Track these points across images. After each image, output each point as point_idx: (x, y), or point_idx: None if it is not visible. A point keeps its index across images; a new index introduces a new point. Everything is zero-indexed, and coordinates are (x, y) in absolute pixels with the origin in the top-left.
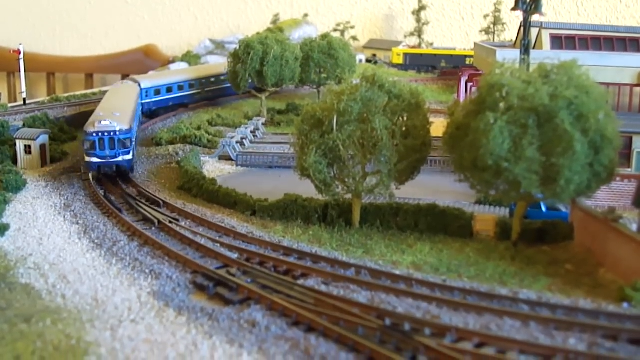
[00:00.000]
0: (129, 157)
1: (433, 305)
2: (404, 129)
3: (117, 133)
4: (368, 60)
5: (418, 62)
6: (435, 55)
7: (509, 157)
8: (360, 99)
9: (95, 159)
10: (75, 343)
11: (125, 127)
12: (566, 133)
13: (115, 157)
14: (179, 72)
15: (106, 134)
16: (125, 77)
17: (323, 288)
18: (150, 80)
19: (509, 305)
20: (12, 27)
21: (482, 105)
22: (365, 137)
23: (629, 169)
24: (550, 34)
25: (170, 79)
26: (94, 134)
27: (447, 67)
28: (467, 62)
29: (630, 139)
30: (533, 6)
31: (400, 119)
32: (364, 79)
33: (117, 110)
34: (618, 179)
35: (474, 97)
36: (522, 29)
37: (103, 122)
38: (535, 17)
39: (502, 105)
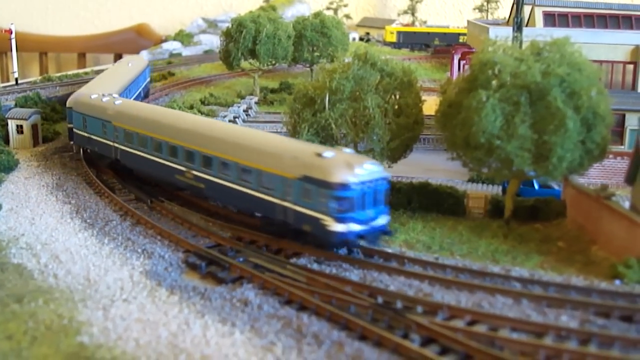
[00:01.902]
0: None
1: (425, 283)
2: (396, 107)
3: (382, 181)
4: (361, 39)
5: (411, 40)
6: (428, 33)
7: (501, 134)
8: (352, 77)
9: (354, 226)
10: (68, 322)
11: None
12: (558, 110)
13: (376, 218)
14: None
15: (371, 184)
16: (118, 56)
17: (315, 267)
18: None
19: (501, 283)
20: (4, 6)
21: (474, 82)
22: (357, 116)
23: (622, 147)
24: (543, 12)
25: None
26: (355, 186)
27: (440, 45)
28: (461, 40)
29: (623, 116)
30: None
31: (393, 97)
32: (356, 57)
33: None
34: (610, 156)
35: (466, 75)
36: (515, 6)
37: (366, 167)
38: None
39: (494, 82)
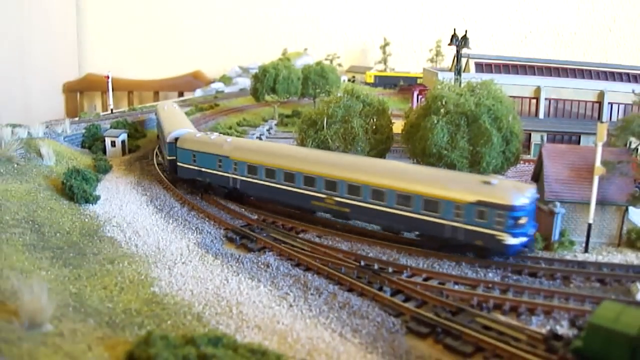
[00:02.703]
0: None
1: (394, 251)
2: (374, 127)
3: (534, 200)
4: (349, 80)
5: (384, 82)
6: (396, 76)
7: (447, 147)
8: (342, 106)
9: (522, 239)
10: (144, 278)
11: None
12: (487, 130)
13: (532, 230)
14: None
15: (532, 204)
16: (181, 94)
17: (317, 240)
18: None
19: (447, 251)
20: (104, 59)
21: (428, 110)
22: (346, 133)
23: (529, 155)
24: (475, 62)
25: None
26: (526, 206)
27: (404, 85)
28: (418, 81)
29: (530, 134)
30: (463, 42)
31: (371, 120)
32: (345, 92)
33: None
34: (522, 162)
35: (422, 105)
36: (455, 58)
37: (529, 190)
38: (464, 50)
39: (442, 110)
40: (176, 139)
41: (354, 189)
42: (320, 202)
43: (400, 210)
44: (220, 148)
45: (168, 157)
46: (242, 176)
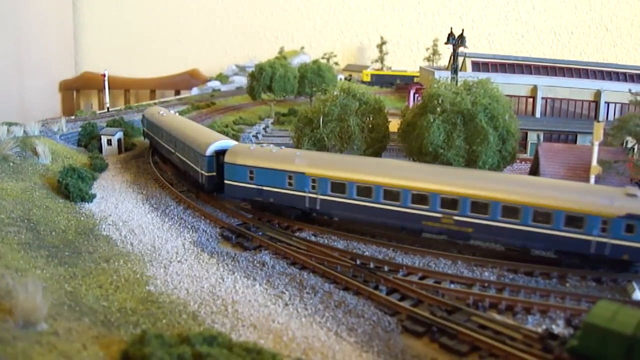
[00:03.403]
0: None
1: (390, 250)
2: (370, 125)
3: None
4: (346, 79)
5: (381, 80)
6: (392, 75)
7: (443, 145)
8: (339, 104)
9: None
10: (139, 277)
11: None
12: (483, 129)
13: None
14: None
15: None
16: (177, 92)
17: (313, 238)
18: None
19: (442, 249)
20: (100, 57)
21: (424, 109)
22: (342, 132)
23: (526, 154)
24: (472, 61)
25: None
26: None
27: (400, 84)
28: (415, 80)
29: (526, 133)
30: (459, 41)
31: (368, 118)
32: (341, 90)
33: None
34: (518, 161)
35: (419, 104)
36: (452, 57)
37: None
38: (461, 49)
39: (438, 109)
40: (220, 153)
41: (479, 207)
42: (435, 222)
43: (538, 228)
44: (291, 163)
45: (206, 173)
46: (323, 195)
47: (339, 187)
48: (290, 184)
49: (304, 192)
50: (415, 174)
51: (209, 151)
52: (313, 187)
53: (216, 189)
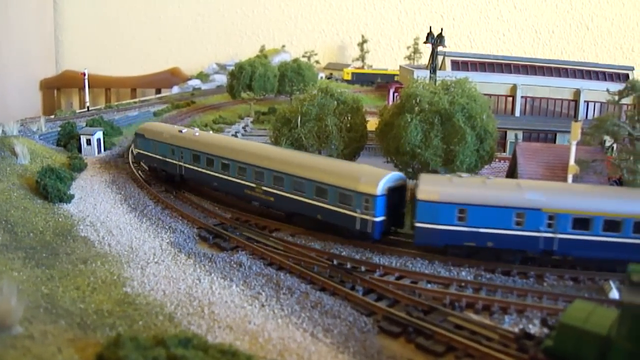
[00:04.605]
0: None
1: (367, 250)
2: (348, 125)
3: None
4: (327, 77)
5: (361, 79)
6: (373, 74)
7: (420, 145)
8: (317, 104)
9: None
10: (117, 278)
11: None
12: (460, 128)
13: None
14: None
15: None
16: (158, 91)
17: (290, 239)
18: None
19: (419, 248)
20: (80, 55)
21: (402, 108)
22: (320, 131)
23: (504, 153)
24: (451, 60)
25: None
26: None
27: (381, 82)
28: (395, 79)
29: (505, 132)
30: (438, 40)
31: (346, 118)
32: (319, 90)
33: None
34: (497, 160)
35: (396, 103)
36: (431, 56)
37: None
38: (440, 48)
39: (416, 108)
40: (393, 189)
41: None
42: None
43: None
44: (519, 196)
45: (374, 219)
46: (563, 234)
47: (583, 223)
48: (518, 223)
49: (538, 231)
50: None
51: (380, 189)
52: (550, 225)
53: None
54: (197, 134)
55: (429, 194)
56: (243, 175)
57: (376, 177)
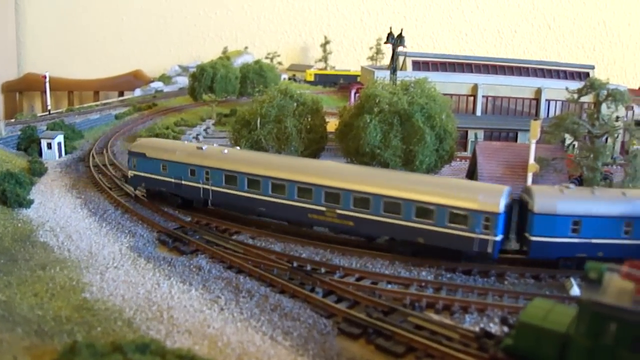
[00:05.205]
0: None
1: (327, 251)
2: (307, 126)
3: None
4: (290, 79)
5: (324, 80)
6: (336, 75)
7: (380, 145)
8: (276, 106)
9: None
10: (75, 284)
11: None
12: (420, 129)
13: None
14: None
15: None
16: (121, 94)
17: (250, 241)
18: None
19: (380, 249)
20: (42, 58)
21: (361, 109)
22: (280, 133)
23: (466, 152)
24: (412, 60)
25: None
26: None
27: (344, 83)
28: (358, 80)
29: (467, 132)
30: (398, 41)
31: (305, 119)
32: (278, 91)
33: None
34: (458, 159)
35: (356, 104)
36: (392, 56)
37: None
38: (400, 49)
39: (375, 109)
40: (507, 205)
41: None
42: None
43: None
44: (628, 206)
45: (493, 238)
46: None
47: None
48: (626, 232)
49: None
50: None
51: (502, 206)
52: None
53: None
54: (225, 151)
55: (546, 207)
56: (307, 198)
57: (496, 194)
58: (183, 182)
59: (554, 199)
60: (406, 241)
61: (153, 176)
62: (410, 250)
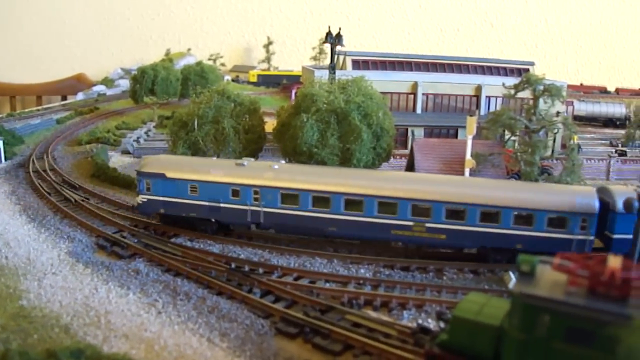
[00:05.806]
0: None
1: (266, 251)
2: (245, 127)
3: None
4: (233, 80)
5: (267, 81)
6: (279, 75)
7: (317, 144)
8: (213, 106)
9: None
10: (12, 291)
11: None
12: (356, 127)
13: None
14: None
15: None
16: (64, 97)
17: (188, 244)
18: None
19: (318, 248)
20: None
21: (298, 109)
22: (218, 134)
23: (406, 150)
24: (352, 59)
25: None
26: None
27: (287, 84)
28: (300, 80)
29: (407, 130)
30: (337, 40)
31: (243, 120)
32: (215, 92)
33: None
34: (397, 157)
35: (293, 104)
36: (331, 55)
37: None
38: (339, 48)
39: (312, 108)
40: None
41: None
42: None
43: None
44: None
45: (591, 238)
46: None
47: None
48: None
49: None
50: None
51: (597, 206)
52: None
53: None
54: (276, 167)
55: (627, 207)
56: (390, 214)
57: (590, 195)
58: (222, 204)
59: (633, 198)
60: (501, 249)
61: (178, 200)
62: (506, 257)
